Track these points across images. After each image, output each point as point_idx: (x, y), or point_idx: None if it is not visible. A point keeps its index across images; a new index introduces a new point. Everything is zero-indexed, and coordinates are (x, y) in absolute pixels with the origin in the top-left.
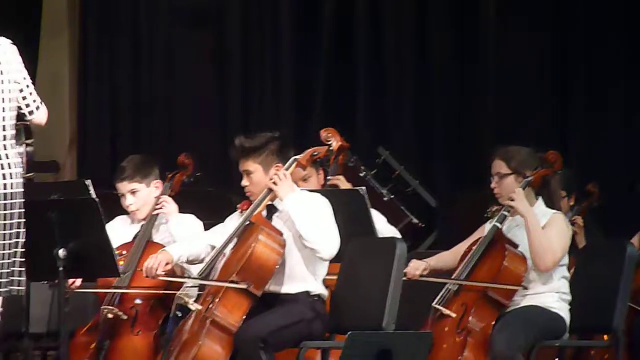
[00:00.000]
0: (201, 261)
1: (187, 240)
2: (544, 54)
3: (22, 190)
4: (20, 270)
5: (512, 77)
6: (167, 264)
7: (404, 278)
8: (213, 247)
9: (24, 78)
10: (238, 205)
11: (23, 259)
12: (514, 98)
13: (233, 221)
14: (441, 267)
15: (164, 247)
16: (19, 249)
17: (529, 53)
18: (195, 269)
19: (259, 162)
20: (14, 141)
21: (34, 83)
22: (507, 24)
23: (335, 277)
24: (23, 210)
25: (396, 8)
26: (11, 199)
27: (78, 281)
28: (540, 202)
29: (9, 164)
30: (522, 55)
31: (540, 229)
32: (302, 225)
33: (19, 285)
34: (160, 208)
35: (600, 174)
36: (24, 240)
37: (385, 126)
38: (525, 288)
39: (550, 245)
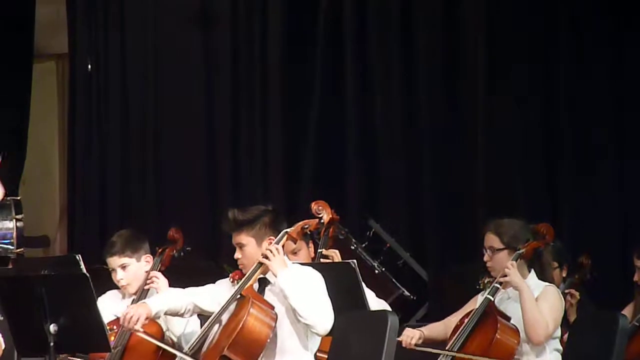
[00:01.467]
0: (180, 316)
1: (168, 294)
2: (532, 128)
3: None
4: None
5: (502, 151)
6: (146, 317)
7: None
8: (195, 305)
9: None
10: (230, 275)
11: None
12: (503, 171)
13: (223, 286)
14: (434, 337)
15: (155, 321)
16: None
17: (517, 128)
18: (178, 323)
19: (252, 235)
20: None
21: (24, 159)
22: (495, 101)
23: (326, 356)
24: None
25: (384, 78)
26: None
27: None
28: (532, 275)
29: None
30: (510, 130)
31: (534, 302)
32: (297, 301)
33: None
34: (152, 283)
35: (591, 245)
36: None
37: (376, 199)
38: None
39: (543, 318)
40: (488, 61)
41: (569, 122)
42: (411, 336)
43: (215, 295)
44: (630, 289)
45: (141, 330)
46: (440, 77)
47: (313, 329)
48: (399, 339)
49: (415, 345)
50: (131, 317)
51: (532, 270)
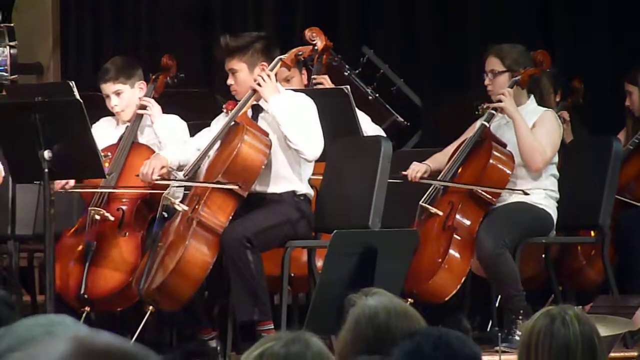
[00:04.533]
0: None
1: (176, 145)
2: None
3: None
4: None
5: None
6: (162, 167)
7: (401, 179)
8: (199, 150)
9: None
10: (224, 106)
11: None
12: None
13: (219, 123)
14: (439, 169)
15: (149, 148)
16: None
17: None
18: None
19: (245, 61)
20: None
21: None
22: None
23: (320, 177)
24: None
25: None
26: None
27: (72, 181)
28: (532, 100)
29: None
30: None
31: (529, 130)
32: (287, 126)
33: None
34: (144, 109)
35: (584, 70)
36: None
37: (369, 25)
38: (526, 193)
39: (539, 145)
40: None
41: None
42: (417, 170)
43: (213, 134)
44: (622, 115)
45: (158, 178)
46: None
47: (302, 154)
48: (404, 172)
49: (421, 178)
50: (147, 171)
51: (532, 96)
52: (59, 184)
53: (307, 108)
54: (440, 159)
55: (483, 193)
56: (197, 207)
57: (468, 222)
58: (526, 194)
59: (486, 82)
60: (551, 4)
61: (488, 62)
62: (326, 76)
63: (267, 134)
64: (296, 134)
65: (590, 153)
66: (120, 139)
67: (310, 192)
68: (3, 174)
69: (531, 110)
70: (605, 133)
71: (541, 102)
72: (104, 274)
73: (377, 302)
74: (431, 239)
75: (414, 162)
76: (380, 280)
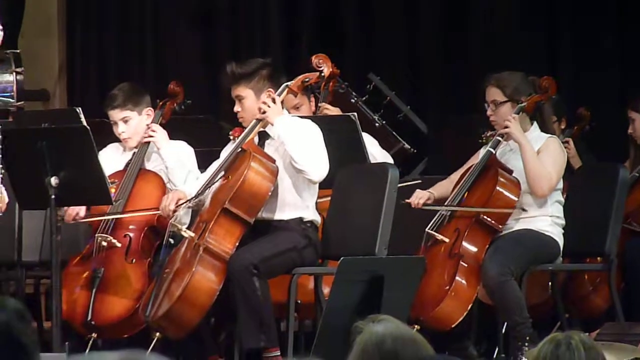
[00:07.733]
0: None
1: (190, 181)
2: None
3: None
4: None
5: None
6: (179, 199)
7: (405, 204)
8: None
9: None
10: (230, 133)
11: None
12: (503, 21)
13: (227, 151)
14: (443, 196)
15: (156, 174)
16: None
17: None
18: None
19: (251, 88)
20: None
21: (22, 11)
22: None
23: (328, 199)
24: None
25: None
26: None
27: (82, 212)
28: (535, 127)
29: None
30: None
31: (535, 155)
32: (292, 147)
33: None
34: (149, 136)
35: (590, 97)
36: None
37: (376, 52)
38: (524, 210)
39: (546, 171)
40: None
41: None
42: (420, 196)
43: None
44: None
45: (174, 208)
46: None
47: (307, 175)
48: (407, 200)
49: (424, 205)
50: (166, 204)
51: (535, 123)
52: (70, 215)
53: (313, 130)
54: (444, 186)
55: (489, 220)
56: (203, 233)
57: (474, 249)
58: (524, 210)
59: (488, 112)
60: (559, 29)
61: (488, 93)
62: (329, 106)
63: (273, 161)
64: (301, 154)
65: (597, 180)
66: (127, 166)
67: (318, 218)
68: (7, 199)
69: (535, 137)
70: (613, 160)
71: (543, 129)
72: (110, 300)
73: (384, 329)
74: (437, 266)
75: (418, 190)
76: (387, 307)
